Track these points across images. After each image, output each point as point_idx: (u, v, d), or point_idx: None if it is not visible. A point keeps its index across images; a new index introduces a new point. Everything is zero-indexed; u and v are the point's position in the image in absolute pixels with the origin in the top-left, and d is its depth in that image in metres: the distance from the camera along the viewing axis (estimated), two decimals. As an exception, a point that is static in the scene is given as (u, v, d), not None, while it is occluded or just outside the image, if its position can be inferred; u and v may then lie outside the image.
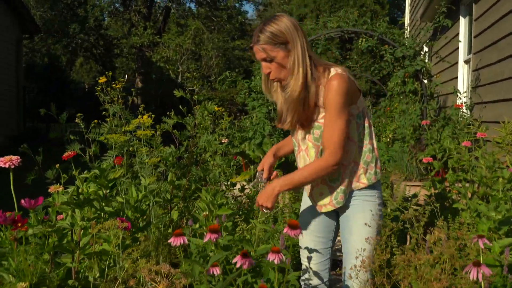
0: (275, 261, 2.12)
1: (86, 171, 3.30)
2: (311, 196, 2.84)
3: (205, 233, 3.11)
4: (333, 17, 8.18)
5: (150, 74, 18.51)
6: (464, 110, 7.94)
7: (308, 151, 2.75)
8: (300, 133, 2.78)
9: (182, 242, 2.15)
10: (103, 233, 2.73)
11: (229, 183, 4.46)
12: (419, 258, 2.37)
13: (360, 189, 2.76)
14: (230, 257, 2.91)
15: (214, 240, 2.13)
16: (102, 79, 4.36)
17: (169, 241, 2.19)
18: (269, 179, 2.83)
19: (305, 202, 2.99)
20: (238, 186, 4.83)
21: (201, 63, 18.54)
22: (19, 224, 2.04)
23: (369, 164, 2.75)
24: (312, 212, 2.92)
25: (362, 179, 2.74)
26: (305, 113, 2.66)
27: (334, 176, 2.72)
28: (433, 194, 4.40)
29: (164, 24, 23.78)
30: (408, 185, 6.18)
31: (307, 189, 2.85)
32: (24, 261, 2.13)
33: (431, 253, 2.46)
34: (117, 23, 23.13)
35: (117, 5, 23.11)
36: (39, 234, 2.42)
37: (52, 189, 2.48)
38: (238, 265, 2.08)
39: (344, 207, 2.80)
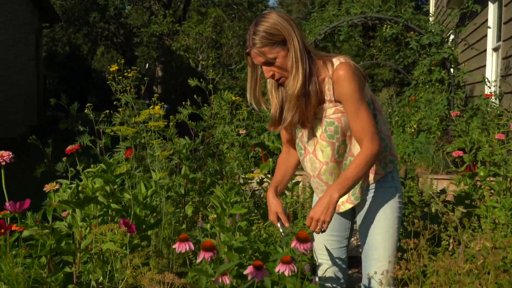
0: (286, 273, 1.89)
1: (92, 165, 3.09)
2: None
3: (217, 234, 2.91)
4: (356, 3, 7.88)
5: (170, 62, 18.33)
6: (493, 100, 7.62)
7: (317, 152, 2.54)
8: (306, 135, 2.57)
9: (187, 249, 1.94)
10: (108, 233, 2.53)
11: (246, 176, 4.25)
12: (459, 266, 2.13)
13: (378, 181, 2.58)
14: (244, 260, 2.70)
15: (209, 259, 1.90)
16: (114, 67, 4.16)
17: (173, 246, 1.98)
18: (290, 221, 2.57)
19: (317, 198, 2.76)
20: (256, 178, 4.61)
21: (222, 51, 18.32)
22: (2, 230, 1.85)
23: (383, 153, 2.57)
24: None
25: (378, 169, 2.57)
26: (307, 111, 2.46)
27: None
28: (463, 190, 4.13)
29: (185, 12, 23.59)
30: (434, 179, 5.92)
31: (321, 190, 2.60)
32: (15, 266, 1.94)
33: (468, 261, 2.22)
34: (138, 11, 22.96)
35: (137, -8, 22.98)
36: (36, 236, 2.22)
37: (47, 187, 2.28)
38: (249, 278, 1.85)
39: (362, 201, 2.62)
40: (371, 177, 2.57)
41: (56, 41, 27.84)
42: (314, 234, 2.80)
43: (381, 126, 2.57)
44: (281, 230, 2.53)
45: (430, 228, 2.26)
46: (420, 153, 6.84)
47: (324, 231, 2.36)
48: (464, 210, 2.57)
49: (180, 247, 1.94)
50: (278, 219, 2.56)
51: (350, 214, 2.75)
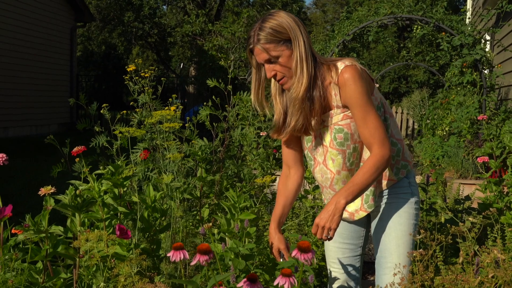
0: (285, 286, 1.80)
1: (101, 167, 3.05)
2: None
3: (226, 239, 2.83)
4: (386, 3, 7.72)
5: (202, 62, 18.34)
6: (528, 103, 7.40)
7: (327, 162, 2.45)
8: (315, 144, 2.49)
9: (181, 258, 1.86)
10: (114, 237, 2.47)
11: (264, 178, 4.17)
12: (465, 281, 2.02)
13: (392, 187, 2.48)
14: (252, 268, 2.62)
15: (204, 263, 1.82)
16: (131, 67, 4.12)
17: (168, 254, 1.91)
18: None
19: None
20: (278, 181, 4.52)
21: (255, 51, 18.25)
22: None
23: (395, 158, 2.47)
24: None
25: (390, 175, 2.47)
26: (311, 116, 2.38)
27: None
28: (488, 198, 3.98)
29: (219, 12, 23.60)
30: (462, 183, 5.75)
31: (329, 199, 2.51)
32: (7, 271, 1.89)
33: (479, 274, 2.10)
34: (172, 11, 23.10)
35: (171, -7, 23.11)
36: (34, 239, 2.17)
37: (43, 191, 2.23)
38: (240, 291, 1.77)
39: (377, 207, 2.52)
40: (384, 183, 2.48)
41: (92, 40, 28.18)
42: (327, 244, 2.71)
43: (392, 130, 2.47)
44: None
45: (437, 239, 2.14)
46: (449, 157, 6.66)
47: (331, 238, 2.26)
48: (476, 221, 2.44)
49: (174, 256, 1.87)
50: (281, 255, 2.50)
51: (365, 222, 2.66)
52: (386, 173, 2.46)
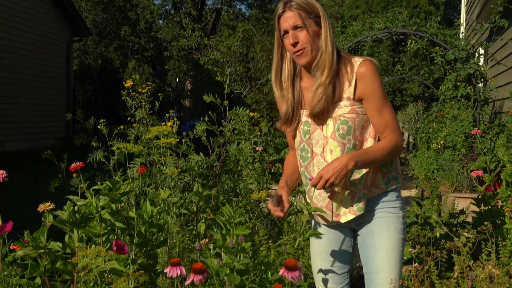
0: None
1: (99, 183, 3.07)
2: (328, 208, 2.49)
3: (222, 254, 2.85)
4: (380, 17, 7.79)
5: (198, 76, 18.40)
6: (522, 117, 7.44)
7: (325, 154, 2.45)
8: (315, 136, 2.48)
9: (178, 273, 1.88)
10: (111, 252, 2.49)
11: (260, 193, 4.19)
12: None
13: (382, 201, 2.47)
14: (247, 284, 2.63)
15: (198, 283, 1.84)
16: (129, 83, 4.15)
17: (165, 270, 1.93)
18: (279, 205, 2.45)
19: (315, 223, 2.67)
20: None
21: (251, 65, 18.33)
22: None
23: (387, 167, 2.49)
24: (326, 233, 2.61)
25: (380, 184, 2.47)
26: (332, 102, 2.41)
27: (356, 180, 2.43)
28: (482, 211, 4.00)
29: (215, 26, 23.70)
30: (457, 197, 5.78)
31: (323, 197, 2.49)
32: (7, 286, 1.91)
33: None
34: (168, 25, 23.18)
35: (167, 7, 23.21)
36: (33, 255, 2.19)
37: (42, 207, 2.25)
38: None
39: (364, 221, 2.50)
40: (373, 190, 2.47)
41: (88, 54, 28.22)
42: (314, 261, 2.69)
43: None
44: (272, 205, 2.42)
45: (432, 254, 2.17)
46: (444, 170, 6.70)
47: (330, 191, 2.30)
48: (470, 235, 2.47)
49: (171, 272, 1.89)
50: (278, 204, 2.44)
51: (351, 238, 2.63)
52: (376, 181, 2.46)
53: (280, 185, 2.56)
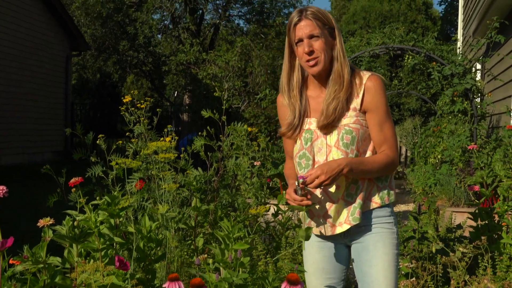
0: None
1: (98, 198, 3.09)
2: (324, 218, 2.50)
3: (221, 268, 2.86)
4: (377, 33, 7.85)
5: (196, 91, 18.45)
6: (519, 131, 7.48)
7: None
8: (317, 144, 2.49)
9: (177, 288, 1.89)
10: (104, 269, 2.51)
11: (258, 208, 4.21)
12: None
13: (377, 216, 2.49)
14: (245, 298, 2.64)
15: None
16: (127, 98, 4.18)
17: (163, 286, 1.94)
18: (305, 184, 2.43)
19: (309, 240, 2.61)
20: (272, 210, 4.56)
21: (249, 80, 18.40)
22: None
23: (383, 182, 2.50)
24: (320, 251, 2.62)
25: (375, 198, 2.49)
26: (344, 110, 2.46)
27: (352, 190, 2.45)
28: (479, 226, 4.02)
29: (213, 41, 23.79)
30: (455, 212, 5.80)
31: (321, 207, 2.50)
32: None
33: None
34: (167, 40, 23.26)
35: (166, 22, 23.29)
36: (32, 270, 2.20)
37: (41, 222, 2.27)
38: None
39: (359, 237, 2.51)
40: (368, 204, 2.48)
41: (86, 68, 28.27)
42: (309, 278, 2.68)
43: None
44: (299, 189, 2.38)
45: (429, 269, 2.18)
46: (441, 185, 6.72)
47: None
48: (466, 250, 2.49)
49: (170, 287, 1.90)
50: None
51: (346, 254, 2.62)
52: (371, 195, 2.47)
53: (292, 183, 2.54)
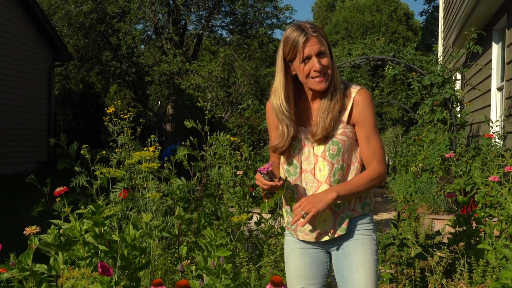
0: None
1: (82, 207, 3.13)
2: (312, 225, 2.55)
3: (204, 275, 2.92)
4: (358, 44, 7.96)
5: (179, 101, 18.48)
6: (497, 140, 7.62)
7: (315, 171, 2.52)
8: (305, 152, 2.54)
9: (161, 294, 1.95)
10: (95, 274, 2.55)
11: (240, 216, 4.27)
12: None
13: (357, 223, 2.56)
14: (228, 303, 2.70)
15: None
16: (111, 109, 4.23)
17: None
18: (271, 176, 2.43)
19: (291, 247, 2.70)
20: (254, 219, 4.62)
21: (232, 90, 18.47)
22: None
23: (365, 193, 2.57)
24: (302, 257, 2.67)
25: (357, 207, 2.56)
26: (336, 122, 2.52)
27: (340, 201, 2.50)
28: (457, 232, 4.11)
29: (196, 51, 23.85)
30: (434, 219, 5.90)
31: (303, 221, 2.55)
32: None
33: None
34: (150, 50, 23.27)
35: (149, 32, 23.30)
36: (18, 277, 2.24)
37: (28, 230, 2.31)
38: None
39: (340, 243, 2.57)
40: (352, 213, 2.54)
41: (69, 79, 28.16)
42: (291, 284, 2.73)
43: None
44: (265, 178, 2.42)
45: (407, 273, 2.26)
46: (422, 193, 6.82)
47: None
48: (443, 255, 2.56)
49: (154, 292, 1.95)
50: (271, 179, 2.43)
51: (327, 260, 2.68)
52: (352, 205, 2.53)
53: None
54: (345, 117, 2.49)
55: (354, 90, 2.51)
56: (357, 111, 2.48)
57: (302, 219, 2.42)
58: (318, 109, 2.51)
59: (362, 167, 2.55)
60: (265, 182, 2.42)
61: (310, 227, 2.55)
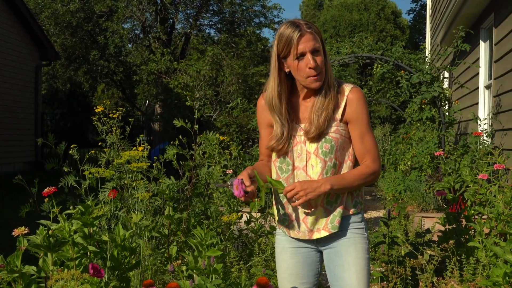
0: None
1: (71, 207, 3.10)
2: (304, 222, 2.55)
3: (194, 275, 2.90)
4: (347, 42, 7.97)
5: (168, 100, 18.43)
6: (485, 138, 7.65)
7: (308, 168, 2.51)
8: (298, 149, 2.53)
9: (152, 294, 1.93)
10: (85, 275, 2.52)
11: (230, 216, 4.25)
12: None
13: (349, 222, 2.55)
14: (219, 303, 2.68)
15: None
16: (100, 108, 4.20)
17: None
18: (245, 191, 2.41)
19: (282, 246, 2.69)
20: (244, 218, 4.61)
21: (220, 89, 18.45)
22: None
23: (357, 192, 2.57)
24: (293, 256, 2.66)
25: (349, 205, 2.55)
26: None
27: (332, 198, 2.50)
28: (447, 230, 4.12)
29: (184, 50, 23.80)
30: (424, 217, 5.91)
31: (301, 210, 2.56)
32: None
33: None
34: (138, 49, 23.18)
35: (137, 31, 23.22)
36: (7, 279, 2.21)
37: (16, 232, 2.28)
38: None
39: (332, 242, 2.57)
40: (344, 212, 2.53)
41: (57, 78, 28.00)
42: (283, 283, 2.71)
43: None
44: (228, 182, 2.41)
45: (398, 272, 2.25)
46: (411, 191, 6.84)
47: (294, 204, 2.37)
48: (434, 253, 2.56)
49: (145, 293, 1.94)
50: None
51: (319, 259, 2.67)
52: (344, 203, 2.52)
53: (243, 172, 2.51)
54: (338, 115, 2.48)
55: (348, 88, 2.50)
56: (351, 109, 2.47)
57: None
58: (312, 106, 2.49)
59: (355, 165, 2.54)
60: (240, 196, 2.38)
61: (303, 225, 2.54)
